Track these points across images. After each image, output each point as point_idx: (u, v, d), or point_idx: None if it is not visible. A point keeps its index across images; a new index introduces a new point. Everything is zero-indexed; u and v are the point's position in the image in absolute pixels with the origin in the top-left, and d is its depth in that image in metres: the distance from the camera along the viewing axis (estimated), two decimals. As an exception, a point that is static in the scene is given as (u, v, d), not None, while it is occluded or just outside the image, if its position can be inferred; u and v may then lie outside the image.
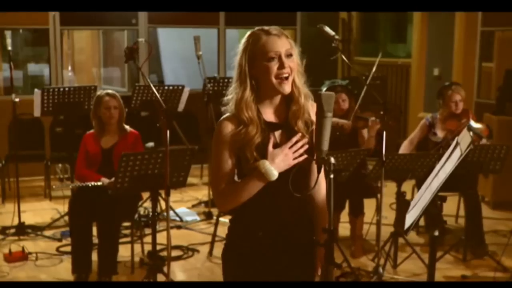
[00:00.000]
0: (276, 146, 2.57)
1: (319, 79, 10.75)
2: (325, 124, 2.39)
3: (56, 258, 5.41)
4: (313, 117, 2.66)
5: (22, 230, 5.93)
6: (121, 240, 5.54)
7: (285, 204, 2.60)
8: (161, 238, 5.22)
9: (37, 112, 6.19)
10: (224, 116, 2.64)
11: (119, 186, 4.38)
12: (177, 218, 6.50)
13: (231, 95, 2.62)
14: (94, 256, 4.91)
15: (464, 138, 2.50)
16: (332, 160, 2.39)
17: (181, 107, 6.78)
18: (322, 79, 10.73)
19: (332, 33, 5.21)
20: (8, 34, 5.91)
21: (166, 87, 6.72)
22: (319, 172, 2.44)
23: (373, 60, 10.89)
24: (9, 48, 5.93)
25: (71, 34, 9.83)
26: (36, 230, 6.06)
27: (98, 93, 5.27)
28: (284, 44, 2.55)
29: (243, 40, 2.61)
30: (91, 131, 5.24)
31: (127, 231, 5.60)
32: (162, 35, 10.10)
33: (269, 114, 2.62)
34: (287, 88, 2.56)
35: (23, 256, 5.35)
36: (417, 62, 9.58)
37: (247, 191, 2.54)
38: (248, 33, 2.61)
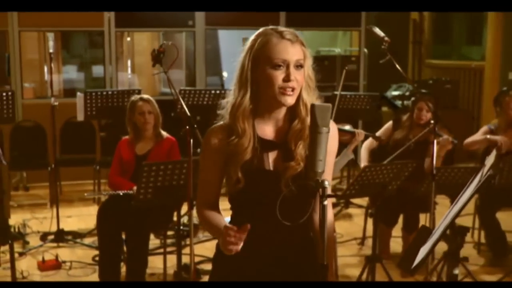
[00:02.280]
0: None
1: (387, 83, 10.32)
2: (320, 141, 2.05)
3: (90, 268, 5.22)
4: None
5: (61, 236, 5.79)
6: (157, 251, 5.33)
7: (281, 230, 2.27)
8: (202, 249, 4.97)
9: (80, 116, 6.06)
10: (215, 124, 2.34)
11: (142, 198, 4.14)
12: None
13: (230, 98, 2.31)
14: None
15: (489, 159, 2.10)
16: (327, 183, 2.05)
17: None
18: (390, 83, 10.31)
19: (381, 34, 4.86)
20: (50, 36, 5.77)
21: (212, 92, 6.45)
22: (313, 197, 2.09)
23: (445, 63, 10.46)
24: (51, 50, 5.79)
25: (131, 36, 9.72)
26: (77, 237, 5.91)
27: (132, 98, 5.07)
28: (296, 53, 2.22)
29: (251, 37, 2.29)
30: (126, 137, 5.05)
31: (170, 240, 5.35)
32: (222, 37, 9.88)
33: (266, 130, 2.30)
34: (289, 100, 2.23)
35: (57, 264, 5.19)
36: (491, 65, 9.01)
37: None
38: (259, 30, 2.29)
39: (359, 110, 7.04)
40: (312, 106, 2.06)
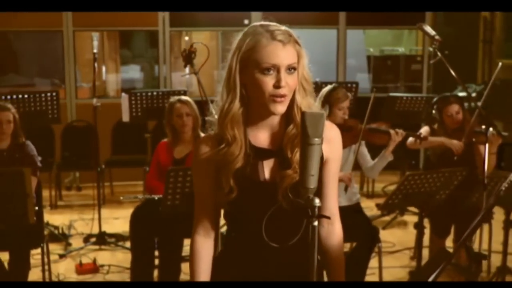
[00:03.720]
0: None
1: (455, 83, 9.87)
2: (311, 154, 1.81)
3: (128, 272, 5.08)
4: (324, 141, 2.10)
5: (102, 239, 5.71)
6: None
7: (281, 249, 2.04)
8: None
9: (125, 117, 5.98)
10: (204, 135, 2.16)
11: (169, 204, 3.99)
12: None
13: (218, 102, 2.11)
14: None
15: None
16: (317, 202, 1.81)
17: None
18: (457, 84, 9.84)
19: (432, 33, 4.55)
20: (95, 36, 5.69)
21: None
22: (306, 216, 1.85)
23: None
24: (95, 50, 5.72)
25: (189, 35, 9.63)
26: (120, 240, 5.82)
27: (171, 99, 4.91)
28: (288, 56, 2.00)
29: (239, 36, 2.08)
30: (165, 140, 4.90)
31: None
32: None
33: (260, 138, 2.09)
34: (279, 108, 2.02)
35: (94, 268, 5.11)
36: None
37: None
38: (247, 28, 2.09)
39: (416, 113, 6.69)
40: (303, 114, 1.83)
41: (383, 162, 4.58)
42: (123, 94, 5.96)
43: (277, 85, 1.99)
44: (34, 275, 4.64)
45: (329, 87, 4.65)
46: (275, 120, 2.08)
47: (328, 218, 1.92)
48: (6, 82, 8.67)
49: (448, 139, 4.90)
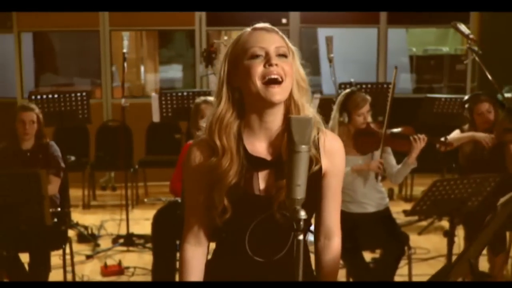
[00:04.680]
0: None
1: (502, 84, 9.53)
2: (297, 163, 1.69)
3: (153, 275, 5.05)
4: (323, 153, 1.98)
5: (130, 240, 5.66)
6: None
7: (275, 266, 1.93)
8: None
9: (155, 118, 5.93)
10: (195, 140, 2.03)
11: (187, 207, 3.88)
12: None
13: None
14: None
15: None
16: (302, 214, 1.68)
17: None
18: (505, 83, 9.51)
19: (466, 31, 4.38)
20: (125, 36, 5.65)
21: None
22: (293, 229, 1.72)
23: None
24: (124, 50, 5.67)
25: (228, 35, 9.54)
26: (148, 241, 5.76)
27: (196, 100, 4.82)
28: (274, 40, 1.89)
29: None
30: (191, 141, 4.81)
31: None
32: (322, 36, 9.49)
33: (257, 146, 1.95)
34: (277, 95, 1.87)
35: (119, 270, 5.05)
36: None
37: None
38: None
39: (456, 115, 6.45)
40: (288, 119, 1.71)
41: (407, 169, 4.42)
42: (153, 94, 5.91)
43: (268, 63, 1.85)
44: (59, 276, 4.61)
45: (345, 91, 4.48)
46: (274, 125, 1.94)
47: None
48: (46, 81, 8.74)
49: (476, 133, 4.70)
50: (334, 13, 7.84)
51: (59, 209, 4.44)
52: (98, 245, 5.65)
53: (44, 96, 5.73)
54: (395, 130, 4.46)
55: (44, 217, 3.64)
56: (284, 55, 1.89)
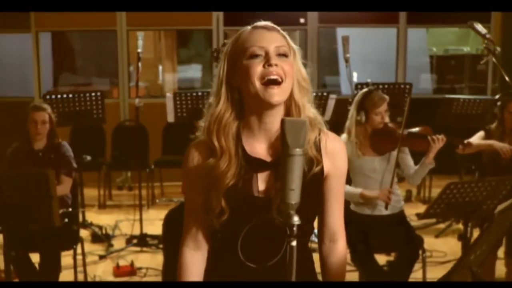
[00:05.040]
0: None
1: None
2: (291, 166, 1.65)
3: (165, 276, 5.03)
4: (325, 154, 1.94)
5: (144, 241, 5.64)
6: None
7: (275, 270, 1.87)
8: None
9: (170, 118, 5.90)
10: (195, 141, 1.99)
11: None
12: (315, 239, 5.78)
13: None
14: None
15: None
16: (296, 219, 1.64)
17: (327, 115, 6.09)
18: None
19: (483, 31, 4.29)
20: (140, 35, 5.63)
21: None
22: (287, 235, 1.66)
23: None
24: (139, 50, 5.65)
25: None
26: (161, 241, 5.74)
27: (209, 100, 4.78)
28: (274, 39, 1.85)
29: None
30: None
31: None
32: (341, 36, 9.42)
33: (257, 147, 1.91)
34: (276, 96, 1.83)
35: (131, 271, 5.03)
36: None
37: None
38: None
39: (475, 116, 6.35)
40: (282, 121, 1.67)
41: (424, 170, 4.34)
42: (168, 94, 5.88)
43: (267, 64, 1.81)
44: (70, 276, 4.60)
45: (363, 90, 4.42)
46: (273, 127, 1.90)
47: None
48: (65, 81, 8.77)
49: (497, 142, 4.61)
50: (353, 13, 7.76)
51: (70, 209, 4.41)
52: (111, 245, 5.63)
53: (59, 96, 5.72)
54: (413, 130, 4.39)
55: (53, 218, 3.61)
56: (284, 55, 1.85)
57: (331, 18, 8.01)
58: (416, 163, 4.38)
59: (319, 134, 1.94)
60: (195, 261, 2.03)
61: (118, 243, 5.72)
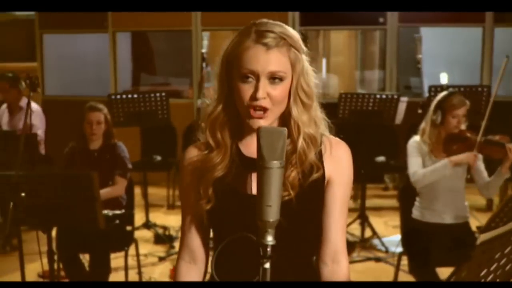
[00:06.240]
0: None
1: None
2: (267, 180, 1.51)
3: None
4: (327, 159, 1.80)
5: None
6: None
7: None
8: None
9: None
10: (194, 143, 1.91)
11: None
12: (382, 248, 5.56)
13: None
14: None
15: None
16: (270, 239, 1.49)
17: (399, 119, 5.85)
18: None
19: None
20: (205, 36, 5.58)
21: (378, 96, 5.82)
22: (260, 256, 1.52)
23: None
24: (203, 50, 5.61)
25: (327, 35, 9.31)
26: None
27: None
28: (271, 62, 1.71)
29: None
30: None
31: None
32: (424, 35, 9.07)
33: (252, 148, 1.80)
34: (256, 124, 1.73)
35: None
36: None
37: None
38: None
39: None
40: (257, 130, 1.54)
41: (499, 180, 4.08)
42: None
43: (253, 97, 1.71)
44: (121, 277, 4.58)
45: (445, 92, 4.21)
46: None
47: (266, 257, 1.52)
48: (143, 81, 8.86)
49: None
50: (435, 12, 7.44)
51: (123, 210, 4.39)
52: (173, 247, 5.59)
53: (124, 96, 5.75)
54: (490, 136, 4.15)
55: (97, 220, 3.58)
56: (279, 79, 1.72)
57: (412, 17, 7.69)
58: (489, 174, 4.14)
59: (322, 138, 1.84)
60: (190, 274, 1.93)
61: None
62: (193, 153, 1.87)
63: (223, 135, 1.81)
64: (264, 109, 1.72)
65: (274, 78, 1.71)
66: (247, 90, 1.72)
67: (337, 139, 1.86)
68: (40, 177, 3.58)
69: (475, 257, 1.20)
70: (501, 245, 1.28)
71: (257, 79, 1.71)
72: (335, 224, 1.85)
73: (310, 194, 1.77)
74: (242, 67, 1.72)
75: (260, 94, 1.70)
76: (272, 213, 1.50)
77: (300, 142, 1.77)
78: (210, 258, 1.93)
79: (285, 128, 1.57)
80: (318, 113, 1.84)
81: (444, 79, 8.57)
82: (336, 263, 1.86)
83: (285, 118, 1.79)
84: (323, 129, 1.85)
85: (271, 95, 1.72)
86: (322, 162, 1.80)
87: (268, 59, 1.71)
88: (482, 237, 1.23)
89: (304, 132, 1.78)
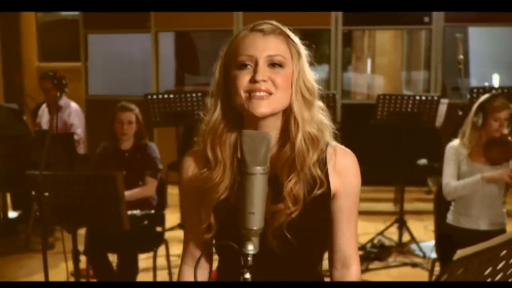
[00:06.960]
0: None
1: None
2: (250, 186, 1.45)
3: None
4: (332, 171, 1.73)
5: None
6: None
7: None
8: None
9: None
10: (192, 149, 1.84)
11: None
12: (420, 253, 5.42)
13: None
14: None
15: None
16: (250, 248, 1.44)
17: (439, 121, 5.70)
18: None
19: None
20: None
21: (418, 98, 5.67)
22: (241, 266, 1.47)
23: None
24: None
25: (372, 35, 9.17)
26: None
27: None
28: (268, 47, 1.65)
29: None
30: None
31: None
32: (472, 36, 8.85)
33: None
34: (258, 108, 1.64)
35: (214, 275, 4.91)
36: None
37: None
38: None
39: None
40: (240, 134, 1.48)
41: None
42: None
43: (253, 79, 1.63)
44: (157, 277, 4.57)
45: (488, 94, 4.08)
46: (272, 138, 1.70)
47: (247, 267, 1.46)
48: (187, 81, 8.87)
49: None
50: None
51: (152, 211, 4.38)
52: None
53: (160, 96, 5.74)
54: None
55: (122, 221, 3.57)
56: (279, 65, 1.65)
57: (459, 17, 7.50)
58: None
59: (326, 148, 1.72)
60: (189, 275, 1.88)
61: (212, 246, 5.63)
62: (191, 163, 1.80)
63: (223, 150, 1.72)
64: (266, 92, 1.63)
65: (273, 64, 1.64)
66: (244, 75, 1.64)
67: (343, 147, 1.76)
68: (64, 177, 3.59)
69: (454, 270, 1.12)
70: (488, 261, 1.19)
71: (255, 63, 1.63)
72: (343, 233, 1.79)
73: (314, 210, 1.68)
74: (238, 56, 1.65)
75: (260, 76, 1.62)
76: (256, 221, 1.44)
77: (299, 141, 1.67)
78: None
79: (269, 133, 1.49)
80: (322, 117, 1.75)
81: (495, 80, 8.34)
82: (346, 267, 1.81)
83: (287, 117, 1.70)
84: (328, 137, 1.75)
85: (273, 80, 1.63)
86: (326, 176, 1.71)
87: (265, 43, 1.65)
88: (458, 253, 1.14)
89: (304, 130, 1.68)
